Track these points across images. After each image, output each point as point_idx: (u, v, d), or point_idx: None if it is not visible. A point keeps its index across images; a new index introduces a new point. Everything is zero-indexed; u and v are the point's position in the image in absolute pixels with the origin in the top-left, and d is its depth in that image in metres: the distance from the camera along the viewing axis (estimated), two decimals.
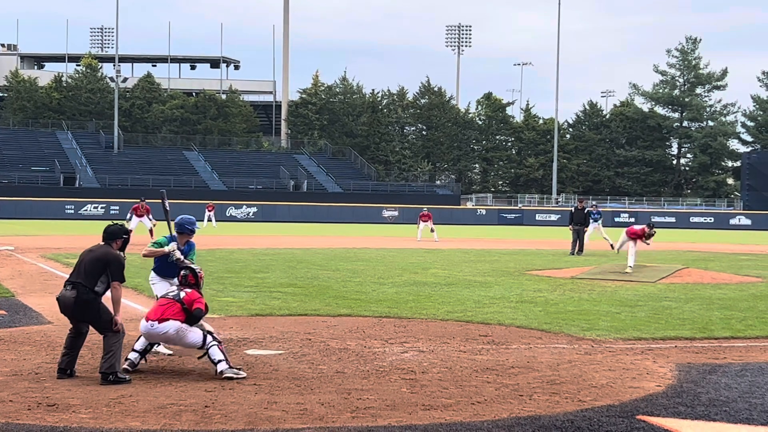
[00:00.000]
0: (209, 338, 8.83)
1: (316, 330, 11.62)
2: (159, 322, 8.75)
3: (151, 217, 32.99)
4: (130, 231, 9.47)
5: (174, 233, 10.04)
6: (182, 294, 8.99)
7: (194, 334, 8.82)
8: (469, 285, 18.09)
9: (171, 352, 9.78)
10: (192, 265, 9.50)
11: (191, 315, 8.87)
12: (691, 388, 8.35)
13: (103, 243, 8.78)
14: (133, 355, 8.85)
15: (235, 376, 8.52)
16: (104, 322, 8.45)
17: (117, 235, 8.81)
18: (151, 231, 32.08)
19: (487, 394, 7.92)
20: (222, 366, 8.59)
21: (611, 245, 31.96)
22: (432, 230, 38.91)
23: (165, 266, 10.04)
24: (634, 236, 22.35)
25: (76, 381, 8.24)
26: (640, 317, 13.36)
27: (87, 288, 8.42)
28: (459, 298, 15.73)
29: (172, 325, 8.74)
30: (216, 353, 8.68)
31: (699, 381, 8.68)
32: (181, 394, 7.76)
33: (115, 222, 9.20)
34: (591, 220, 33.41)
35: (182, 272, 9.37)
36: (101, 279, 8.47)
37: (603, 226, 34.03)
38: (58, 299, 8.58)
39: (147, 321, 8.84)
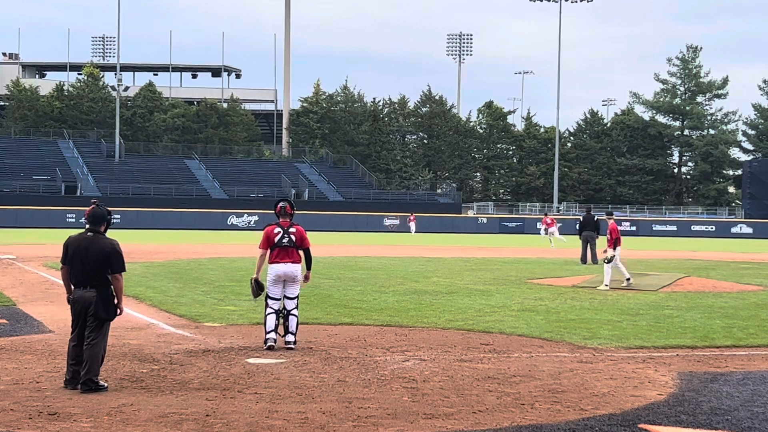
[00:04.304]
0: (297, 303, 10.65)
1: (318, 338, 11.61)
2: (293, 263, 10.42)
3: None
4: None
5: None
6: (293, 238, 10.43)
7: (299, 288, 10.63)
8: (471, 293, 18.08)
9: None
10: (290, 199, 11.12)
11: (307, 252, 10.62)
12: (693, 396, 8.34)
13: (90, 233, 8.52)
14: (271, 335, 10.32)
15: (294, 346, 10.43)
16: (112, 314, 8.44)
17: (104, 218, 8.59)
18: None
19: (489, 403, 7.91)
20: (291, 338, 10.39)
21: None
22: (550, 234, 39.76)
23: None
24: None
25: (77, 390, 8.21)
26: (641, 326, 13.35)
27: (104, 286, 8.39)
28: (460, 306, 15.72)
29: (299, 269, 10.50)
30: (293, 324, 10.44)
31: (701, 389, 8.66)
32: (182, 403, 7.74)
33: (99, 204, 8.79)
34: None
35: (281, 204, 10.58)
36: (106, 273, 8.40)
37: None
38: (74, 300, 8.41)
39: (280, 263, 10.23)
